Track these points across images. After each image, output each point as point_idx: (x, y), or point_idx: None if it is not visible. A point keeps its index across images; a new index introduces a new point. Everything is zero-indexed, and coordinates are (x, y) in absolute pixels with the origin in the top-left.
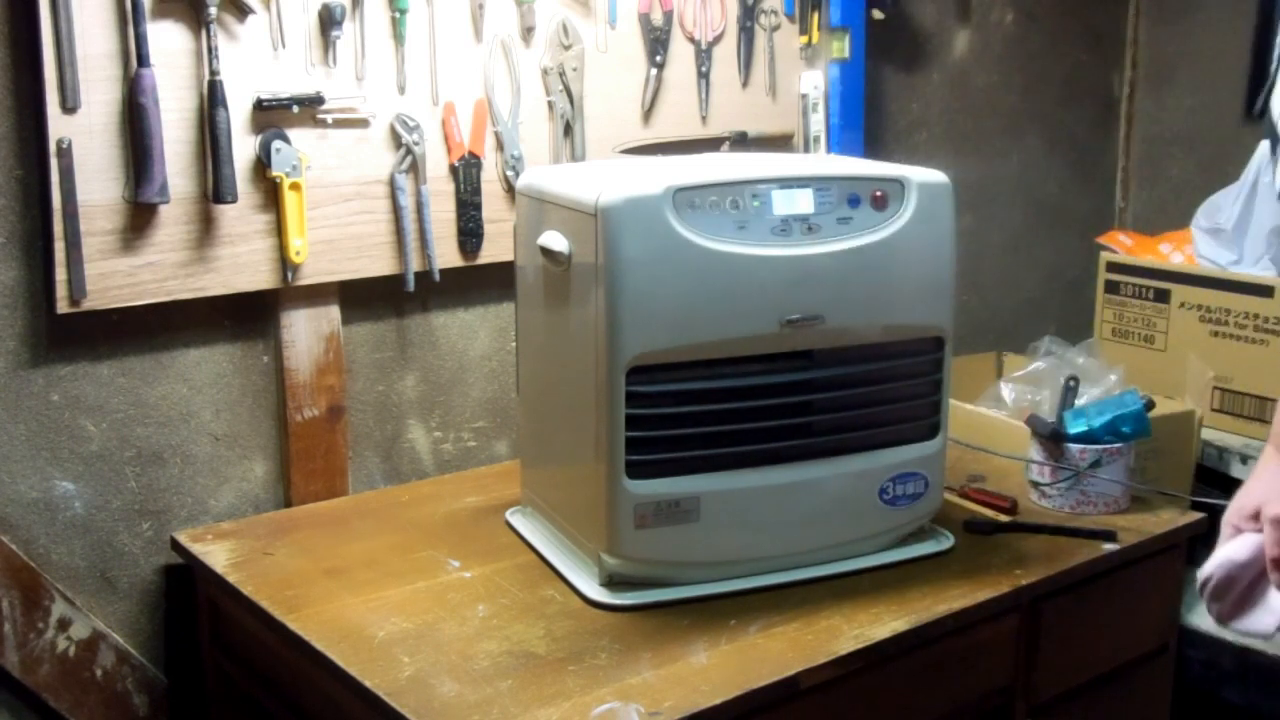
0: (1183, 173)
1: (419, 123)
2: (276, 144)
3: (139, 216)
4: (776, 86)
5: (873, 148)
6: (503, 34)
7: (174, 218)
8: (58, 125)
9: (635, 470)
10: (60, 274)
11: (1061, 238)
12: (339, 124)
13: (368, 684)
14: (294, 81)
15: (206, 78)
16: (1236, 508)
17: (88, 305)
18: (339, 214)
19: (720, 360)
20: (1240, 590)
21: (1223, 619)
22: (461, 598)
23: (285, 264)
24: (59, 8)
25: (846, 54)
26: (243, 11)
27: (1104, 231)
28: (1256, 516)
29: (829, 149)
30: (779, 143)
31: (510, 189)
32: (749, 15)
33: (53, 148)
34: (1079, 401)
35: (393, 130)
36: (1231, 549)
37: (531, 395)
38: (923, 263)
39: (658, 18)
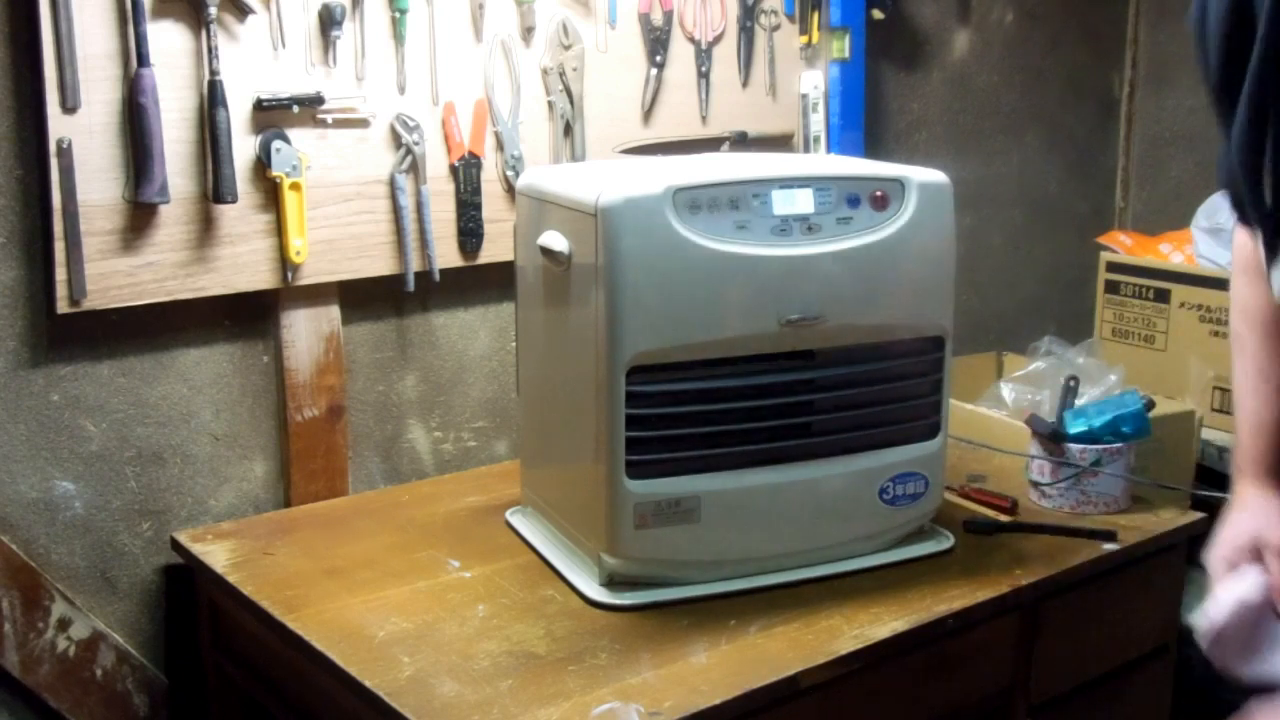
0: (1183, 173)
1: (419, 123)
2: (276, 144)
3: (139, 216)
4: (776, 86)
5: (873, 148)
6: (503, 34)
7: (174, 218)
8: (58, 125)
9: (635, 470)
10: (60, 274)
11: (1061, 238)
12: (339, 124)
13: (368, 684)
14: (294, 81)
15: (206, 78)
16: (1228, 541)
17: (88, 305)
18: (339, 214)
19: (720, 360)
20: (1247, 634)
21: (1231, 666)
22: (461, 598)
23: (285, 264)
24: (59, 8)
25: (846, 54)
26: (243, 11)
27: (1104, 231)
28: (1253, 550)
29: (829, 149)
30: (779, 143)
31: (510, 189)
32: (749, 15)
33: (53, 148)
34: (1079, 401)
35: (393, 130)
36: (1241, 590)
37: (531, 395)
38: (923, 263)
39: (658, 18)
